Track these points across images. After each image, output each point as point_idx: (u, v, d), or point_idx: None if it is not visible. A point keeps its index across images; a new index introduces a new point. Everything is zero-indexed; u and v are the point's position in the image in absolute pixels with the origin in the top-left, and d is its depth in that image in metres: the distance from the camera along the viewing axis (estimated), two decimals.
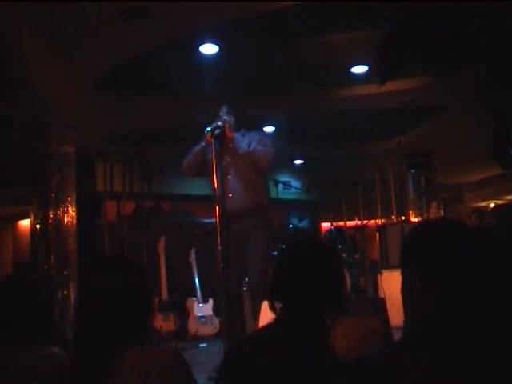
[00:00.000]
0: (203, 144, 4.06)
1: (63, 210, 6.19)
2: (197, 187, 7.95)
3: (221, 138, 4.01)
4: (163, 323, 6.48)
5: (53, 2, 3.73)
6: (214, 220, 3.91)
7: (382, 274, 5.93)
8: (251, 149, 4.03)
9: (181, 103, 6.17)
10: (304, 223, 8.34)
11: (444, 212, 8.39)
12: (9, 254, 11.25)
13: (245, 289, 4.40)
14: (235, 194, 4.07)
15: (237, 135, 4.07)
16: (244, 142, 4.07)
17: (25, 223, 10.24)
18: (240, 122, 4.23)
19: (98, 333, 1.54)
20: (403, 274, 1.40)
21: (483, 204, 11.84)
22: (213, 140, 3.89)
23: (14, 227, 11.39)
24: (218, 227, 3.77)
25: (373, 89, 5.82)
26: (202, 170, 4.18)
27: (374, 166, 8.15)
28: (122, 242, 7.55)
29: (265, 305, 3.64)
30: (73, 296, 6.02)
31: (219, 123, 3.98)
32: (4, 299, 1.92)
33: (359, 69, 5.49)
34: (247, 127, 4.32)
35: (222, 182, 4.01)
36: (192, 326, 6.56)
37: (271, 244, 4.65)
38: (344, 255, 7.86)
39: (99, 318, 1.55)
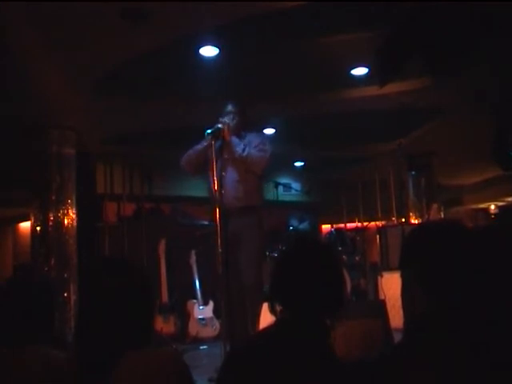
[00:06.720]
0: (205, 143, 4.11)
1: (63, 212, 6.18)
2: (197, 189, 7.94)
3: (221, 139, 4.12)
4: (163, 325, 6.48)
5: (53, 1, 3.73)
6: (213, 222, 3.93)
7: (382, 275, 5.91)
8: (245, 154, 4.10)
9: (181, 105, 6.16)
10: (304, 225, 8.34)
11: (444, 214, 8.38)
12: (9, 256, 11.26)
13: None
14: (227, 190, 4.11)
15: (233, 138, 4.13)
16: (240, 146, 4.12)
17: (25, 225, 10.25)
18: (245, 122, 4.29)
19: (99, 335, 1.54)
20: (403, 276, 1.40)
21: (483, 206, 11.84)
22: (213, 142, 3.95)
23: (14, 229, 11.41)
24: (218, 227, 3.79)
25: (373, 90, 5.82)
26: (202, 167, 4.22)
27: (375, 167, 8.15)
28: (122, 244, 7.55)
29: (265, 307, 3.64)
30: (73, 298, 6.01)
31: (219, 125, 4.06)
32: (4, 301, 1.92)
33: (359, 70, 5.48)
34: (250, 128, 4.37)
35: (220, 181, 4.06)
36: (192, 328, 6.56)
37: (264, 245, 4.66)
38: (344, 257, 7.85)
39: (100, 320, 1.55)
